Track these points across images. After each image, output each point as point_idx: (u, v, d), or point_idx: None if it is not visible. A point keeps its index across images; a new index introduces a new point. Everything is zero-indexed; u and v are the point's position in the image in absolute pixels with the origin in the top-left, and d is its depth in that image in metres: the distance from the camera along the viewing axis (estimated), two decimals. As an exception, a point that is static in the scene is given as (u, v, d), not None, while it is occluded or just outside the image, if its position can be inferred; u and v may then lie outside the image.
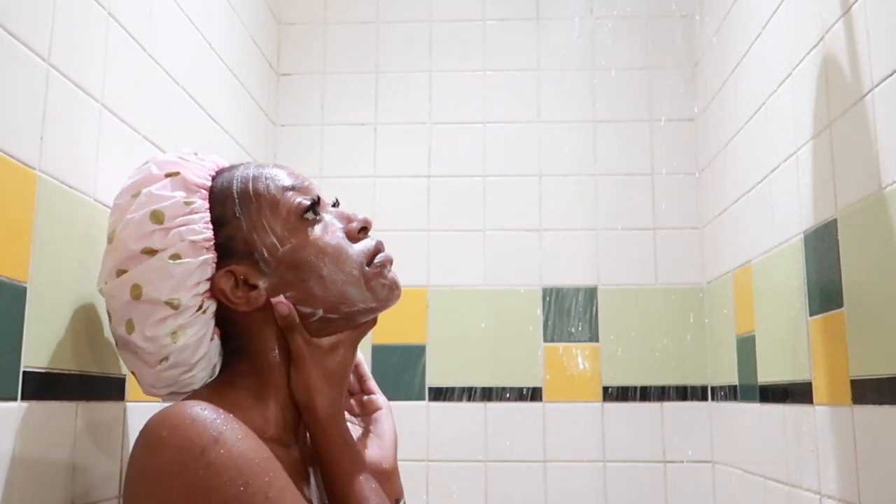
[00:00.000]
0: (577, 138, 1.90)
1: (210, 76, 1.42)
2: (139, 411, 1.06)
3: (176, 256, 0.80)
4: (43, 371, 0.84)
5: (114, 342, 0.87)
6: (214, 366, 0.87)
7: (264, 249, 0.82)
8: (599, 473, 1.77)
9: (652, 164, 1.88)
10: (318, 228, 0.85)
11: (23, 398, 0.80)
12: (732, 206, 1.61)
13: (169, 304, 0.80)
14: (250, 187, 0.84)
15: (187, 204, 0.82)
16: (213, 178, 0.86)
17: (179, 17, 1.27)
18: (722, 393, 1.70)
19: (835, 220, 1.11)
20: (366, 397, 0.97)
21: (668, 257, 1.84)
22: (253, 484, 0.68)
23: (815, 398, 1.18)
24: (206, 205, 0.83)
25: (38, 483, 0.83)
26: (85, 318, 0.93)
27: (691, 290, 1.83)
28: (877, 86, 0.99)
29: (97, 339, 0.96)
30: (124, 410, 1.02)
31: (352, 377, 0.97)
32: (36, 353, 0.82)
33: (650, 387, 1.79)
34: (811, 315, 1.20)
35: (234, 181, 0.85)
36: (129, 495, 0.71)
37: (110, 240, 0.83)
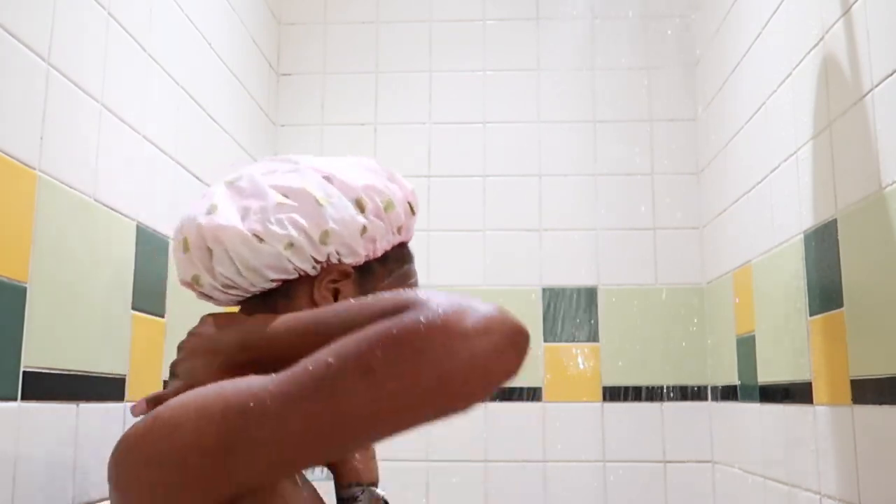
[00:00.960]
0: (577, 138, 1.90)
1: (210, 76, 1.42)
2: (139, 411, 1.06)
3: (364, 230, 0.86)
4: (43, 371, 0.84)
5: (232, 180, 0.87)
6: (235, 293, 0.87)
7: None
8: (599, 473, 1.77)
9: (652, 164, 1.88)
10: None
11: (23, 398, 0.80)
12: (732, 206, 1.61)
13: (324, 233, 0.84)
14: (411, 273, 0.93)
15: (396, 232, 0.90)
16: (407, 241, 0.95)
17: (179, 17, 1.27)
18: (722, 393, 1.70)
19: (835, 220, 1.11)
20: None
21: (668, 257, 1.84)
22: None
23: (815, 398, 1.18)
24: (396, 243, 0.91)
25: (39, 483, 0.83)
26: (85, 318, 0.93)
27: (691, 290, 1.83)
28: (877, 86, 0.99)
29: (97, 338, 0.96)
30: (124, 410, 1.02)
31: None
32: (36, 353, 0.82)
33: (650, 387, 1.79)
34: (811, 315, 1.20)
35: (413, 263, 0.94)
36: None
37: (353, 164, 0.92)
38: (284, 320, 0.77)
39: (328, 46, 1.95)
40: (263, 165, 0.89)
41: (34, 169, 0.83)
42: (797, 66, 1.25)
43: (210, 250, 0.84)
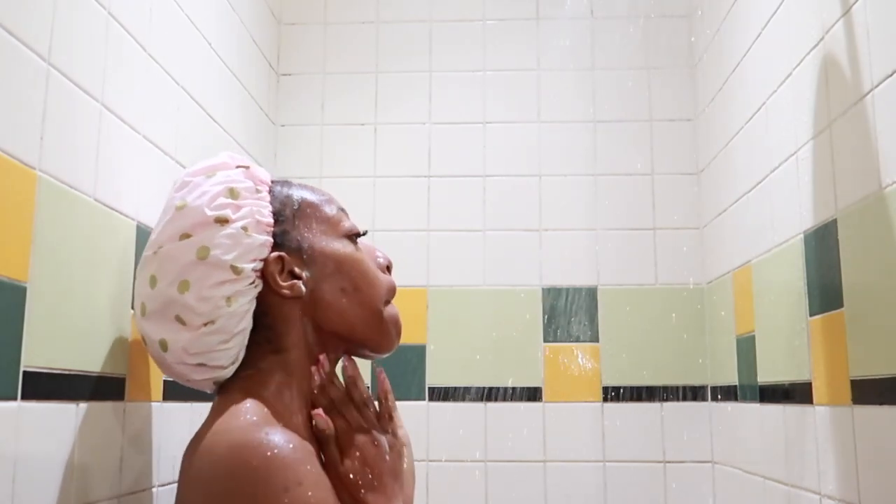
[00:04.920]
0: (577, 138, 1.90)
1: (210, 76, 1.42)
2: (139, 411, 1.06)
3: (245, 229, 0.88)
4: (43, 371, 0.84)
5: (142, 311, 0.91)
6: (239, 353, 0.91)
7: (313, 247, 0.93)
8: (599, 473, 1.77)
9: (652, 164, 1.88)
10: (356, 248, 0.97)
11: (23, 398, 0.80)
12: (732, 206, 1.61)
13: (233, 268, 0.87)
14: (308, 197, 0.96)
15: (258, 191, 0.93)
16: (272, 182, 0.97)
17: (179, 17, 1.27)
18: (722, 393, 1.70)
19: (835, 220, 1.11)
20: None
21: (668, 257, 1.84)
22: None
23: (815, 398, 1.18)
24: (269, 197, 0.94)
25: (38, 483, 0.83)
26: (85, 318, 0.93)
27: (691, 290, 1.83)
28: (877, 86, 0.99)
29: (97, 338, 0.96)
30: (124, 410, 1.02)
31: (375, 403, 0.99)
32: (36, 353, 0.82)
33: (650, 387, 1.79)
34: (811, 315, 1.20)
35: (293, 188, 0.97)
36: None
37: (179, 209, 0.90)
38: None
39: (328, 46, 1.95)
40: (144, 271, 0.91)
41: (34, 169, 0.83)
42: (797, 66, 1.25)
43: (192, 363, 0.90)
